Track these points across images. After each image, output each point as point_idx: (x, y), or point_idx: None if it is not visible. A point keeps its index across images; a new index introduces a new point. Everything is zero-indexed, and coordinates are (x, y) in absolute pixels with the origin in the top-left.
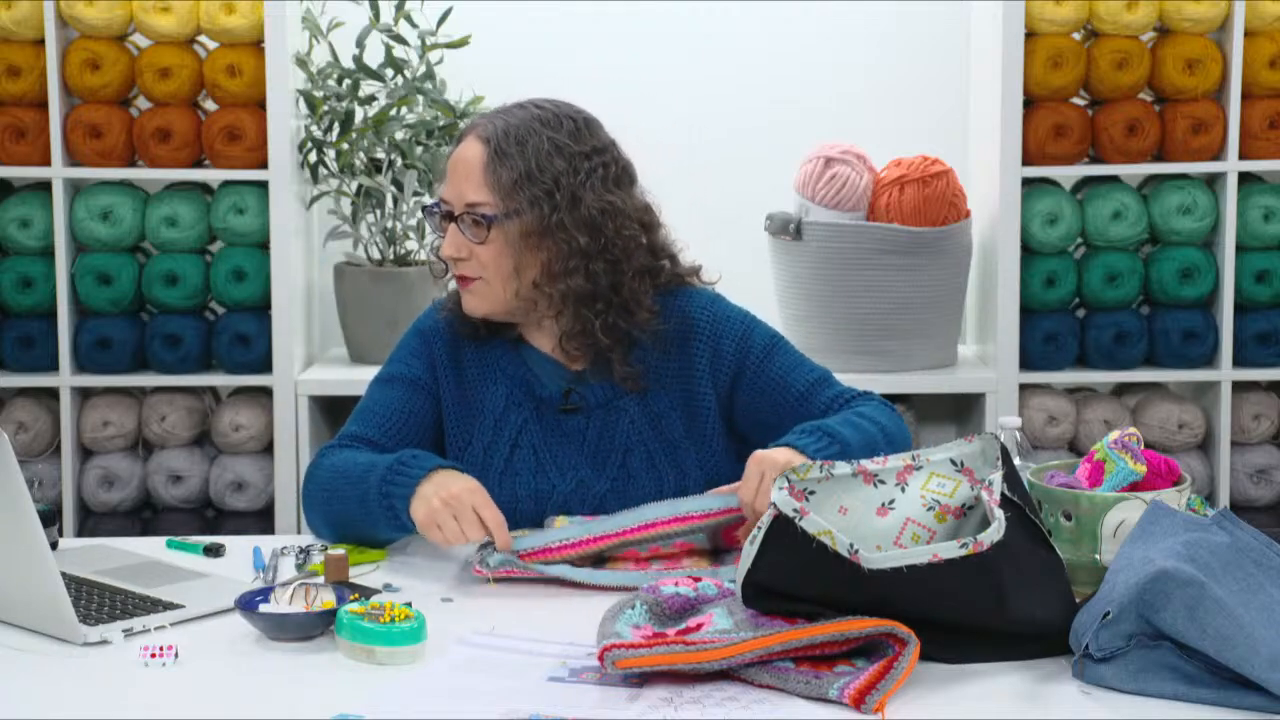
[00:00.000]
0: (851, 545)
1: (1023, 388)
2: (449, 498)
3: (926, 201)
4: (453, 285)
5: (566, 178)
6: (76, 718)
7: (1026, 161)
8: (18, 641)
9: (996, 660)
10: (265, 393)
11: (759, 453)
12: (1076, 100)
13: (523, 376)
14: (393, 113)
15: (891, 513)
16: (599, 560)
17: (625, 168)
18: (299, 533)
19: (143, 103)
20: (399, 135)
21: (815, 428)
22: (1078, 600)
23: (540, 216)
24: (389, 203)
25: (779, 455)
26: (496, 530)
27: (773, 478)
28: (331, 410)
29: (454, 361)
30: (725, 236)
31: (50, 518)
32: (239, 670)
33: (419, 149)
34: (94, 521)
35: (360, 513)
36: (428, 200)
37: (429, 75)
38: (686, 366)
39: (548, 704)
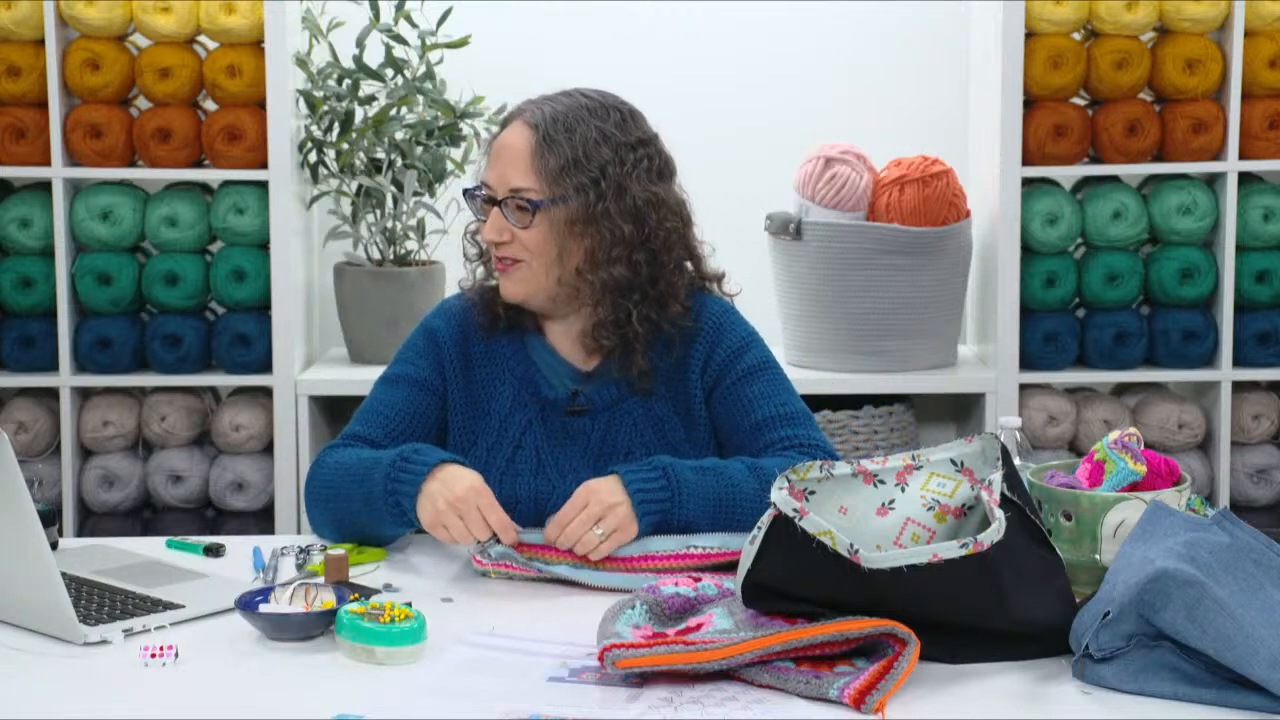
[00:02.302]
0: (851, 545)
1: (1023, 388)
2: (455, 500)
3: (926, 201)
4: (479, 273)
5: (613, 167)
6: (76, 718)
7: (1026, 161)
8: (18, 641)
9: (996, 660)
10: (265, 393)
11: (589, 482)
12: (1076, 100)
13: (530, 376)
14: (393, 113)
15: (891, 513)
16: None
17: (667, 161)
18: (299, 533)
19: (143, 103)
20: (399, 135)
21: (666, 466)
22: (1078, 600)
23: (586, 204)
24: (389, 203)
25: (603, 488)
26: (502, 532)
27: (595, 512)
28: (331, 410)
29: (462, 360)
30: (725, 236)
31: (50, 518)
32: (239, 670)
33: (419, 149)
34: (94, 521)
35: (366, 511)
36: (428, 199)
37: (429, 75)
38: (683, 370)
39: (548, 704)
